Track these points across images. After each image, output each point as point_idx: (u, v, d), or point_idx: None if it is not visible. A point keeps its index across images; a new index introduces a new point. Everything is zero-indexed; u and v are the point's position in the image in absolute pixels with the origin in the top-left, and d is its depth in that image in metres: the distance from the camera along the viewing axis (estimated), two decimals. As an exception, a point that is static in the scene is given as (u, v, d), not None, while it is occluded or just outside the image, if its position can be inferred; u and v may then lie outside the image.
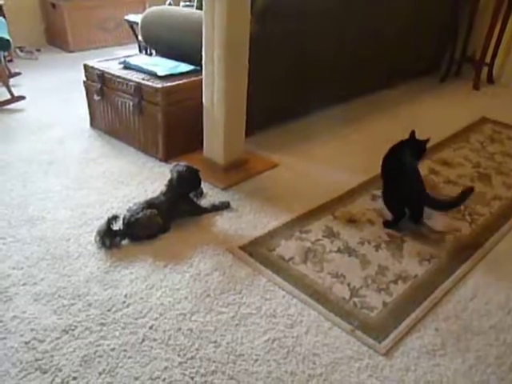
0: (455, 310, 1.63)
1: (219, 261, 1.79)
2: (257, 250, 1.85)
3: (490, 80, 4.12)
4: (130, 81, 2.46)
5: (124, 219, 1.88)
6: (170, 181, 2.03)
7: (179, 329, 1.49)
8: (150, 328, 1.49)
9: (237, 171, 2.41)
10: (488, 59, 4.01)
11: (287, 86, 2.87)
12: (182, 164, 2.07)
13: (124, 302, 1.59)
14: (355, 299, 1.64)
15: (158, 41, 2.90)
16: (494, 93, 3.94)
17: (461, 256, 1.89)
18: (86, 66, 2.72)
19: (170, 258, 1.79)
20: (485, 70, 4.05)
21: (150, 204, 1.94)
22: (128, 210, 1.91)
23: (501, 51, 4.03)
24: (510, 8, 3.81)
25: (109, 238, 1.82)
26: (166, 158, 2.49)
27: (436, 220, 2.12)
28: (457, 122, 3.18)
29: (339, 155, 2.69)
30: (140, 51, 4.08)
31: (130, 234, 1.88)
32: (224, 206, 2.11)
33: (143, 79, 2.44)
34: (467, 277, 1.78)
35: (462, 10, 3.99)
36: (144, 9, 4.96)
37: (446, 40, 4.17)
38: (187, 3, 3.86)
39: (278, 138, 2.85)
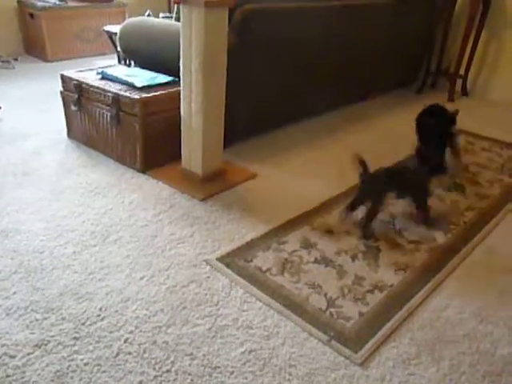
0: (430, 319, 1.65)
1: (196, 272, 1.79)
2: (234, 262, 1.85)
3: (465, 92, 4.23)
4: (108, 92, 2.45)
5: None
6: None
7: (155, 342, 1.47)
8: (125, 341, 1.47)
9: (215, 182, 2.41)
10: (462, 72, 4.11)
11: (266, 98, 2.90)
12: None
13: (99, 315, 1.56)
14: (332, 309, 1.65)
15: (137, 52, 2.90)
16: (467, 104, 4.04)
17: (435, 266, 1.92)
18: (63, 77, 2.70)
19: (146, 269, 1.78)
20: (459, 82, 4.16)
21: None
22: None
23: (474, 65, 4.15)
24: (481, 23, 3.93)
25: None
26: (144, 169, 2.47)
27: (412, 230, 2.15)
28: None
29: (317, 166, 2.72)
30: (119, 62, 4.07)
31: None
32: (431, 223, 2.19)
33: (121, 90, 2.43)
34: (441, 286, 1.81)
35: (437, 25, 4.09)
36: (124, 19, 4.96)
37: (421, 54, 4.27)
38: (167, 14, 3.88)
39: (257, 148, 2.87)
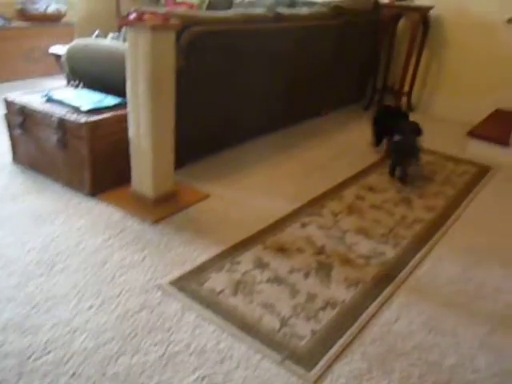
0: (381, 332, 1.68)
1: (148, 298, 1.75)
2: (186, 285, 1.82)
3: (410, 108, 4.40)
4: (53, 115, 2.39)
5: None
6: None
7: (104, 374, 1.43)
8: (73, 375, 1.42)
9: (167, 204, 2.39)
10: (406, 88, 4.29)
11: (217, 117, 2.91)
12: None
13: (44, 348, 1.50)
14: (285, 329, 1.65)
15: (84, 74, 2.86)
16: (413, 119, 4.19)
17: (385, 279, 1.97)
18: (6, 100, 2.61)
19: (95, 298, 1.73)
20: (405, 98, 4.34)
21: None
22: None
23: (418, 82, 4.34)
24: (422, 43, 4.13)
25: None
26: (93, 193, 2.42)
27: (362, 245, 2.20)
28: (381, 148, 3.34)
29: (271, 183, 2.74)
30: (68, 83, 3.98)
31: None
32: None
33: (67, 113, 2.38)
34: (391, 299, 1.85)
35: (382, 43, 4.26)
36: (72, 39, 4.87)
37: (368, 71, 4.43)
38: (116, 34, 3.84)
39: (210, 168, 2.87)
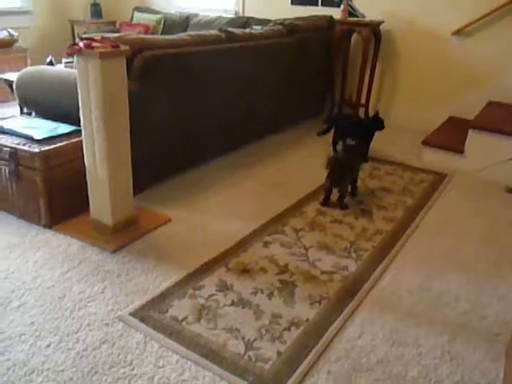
0: (345, 349, 1.69)
1: (108, 331, 1.71)
2: (148, 315, 1.79)
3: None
4: (5, 146, 2.32)
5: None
6: None
7: (63, 416, 1.38)
8: (30, 420, 1.36)
9: (127, 231, 2.35)
10: (363, 100, 4.39)
11: (176, 140, 2.90)
12: None
13: (-1, 394, 1.44)
14: (250, 353, 1.64)
15: (36, 102, 2.80)
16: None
17: (348, 294, 1.99)
18: (-46, 132, 2.53)
19: (53, 335, 1.67)
20: (362, 110, 4.44)
21: None
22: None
23: (374, 94, 4.45)
24: (375, 57, 4.24)
25: None
26: (51, 224, 2.36)
27: (325, 260, 2.22)
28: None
29: (232, 203, 2.74)
30: (21, 111, 3.89)
31: None
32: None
33: (19, 144, 2.32)
34: (354, 314, 1.87)
35: (337, 58, 4.36)
36: (26, 65, 4.79)
37: (325, 86, 4.51)
38: (69, 60, 3.79)
39: (171, 191, 2.84)
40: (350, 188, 2.88)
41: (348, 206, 2.77)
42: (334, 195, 2.77)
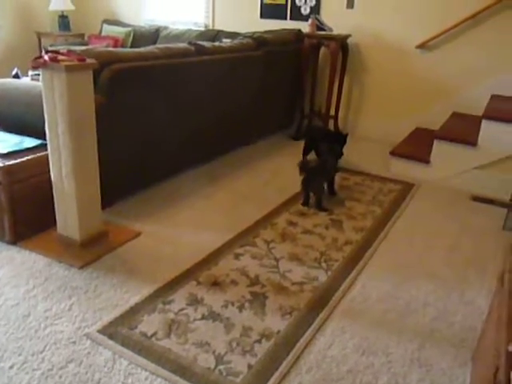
0: (316, 360, 1.70)
1: (75, 350, 1.66)
2: (117, 331, 1.76)
3: (337, 130, 4.57)
4: (-33, 161, 2.26)
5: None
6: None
7: None
8: None
9: (95, 246, 2.30)
10: (332, 112, 4.46)
11: (145, 154, 2.87)
12: None
13: (-41, 419, 1.38)
14: (220, 367, 1.63)
15: (1, 115, 2.73)
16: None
17: (318, 305, 2.00)
18: None
19: (17, 356, 1.62)
20: (332, 121, 4.50)
21: None
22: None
23: (342, 105, 4.53)
24: (343, 69, 4.33)
25: None
26: (15, 241, 2.29)
27: (295, 271, 2.23)
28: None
29: (203, 216, 2.73)
30: (-14, 124, 3.80)
31: None
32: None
33: (-18, 158, 2.26)
34: (325, 325, 1.88)
35: (305, 71, 4.42)
36: (-9, 78, 4.68)
37: (294, 98, 4.56)
38: (36, 72, 3.72)
39: (141, 204, 2.81)
40: (326, 189, 3.03)
41: (326, 208, 2.87)
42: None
